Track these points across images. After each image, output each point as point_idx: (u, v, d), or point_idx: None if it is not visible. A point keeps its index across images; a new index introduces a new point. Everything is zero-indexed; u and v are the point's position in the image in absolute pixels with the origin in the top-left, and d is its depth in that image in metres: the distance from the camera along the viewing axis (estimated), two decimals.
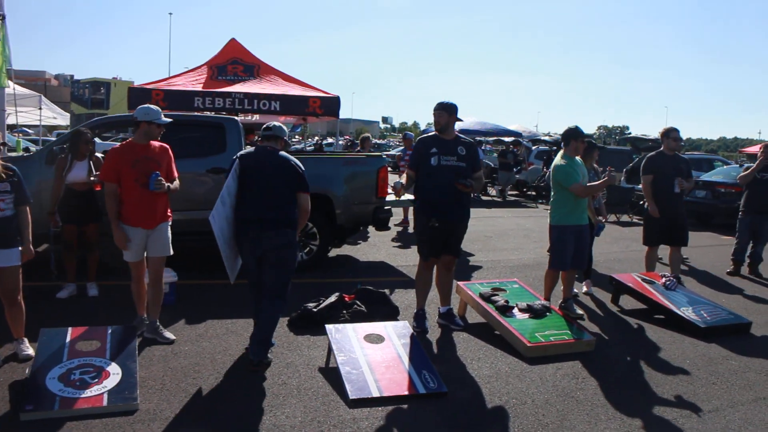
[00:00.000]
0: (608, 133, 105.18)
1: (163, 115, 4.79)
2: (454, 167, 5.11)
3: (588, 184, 5.62)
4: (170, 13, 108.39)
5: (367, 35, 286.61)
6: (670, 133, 6.81)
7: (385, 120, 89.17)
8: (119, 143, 4.73)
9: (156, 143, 4.81)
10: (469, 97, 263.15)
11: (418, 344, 4.46)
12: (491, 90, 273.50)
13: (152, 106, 4.78)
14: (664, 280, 6.28)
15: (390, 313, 5.50)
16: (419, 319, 5.29)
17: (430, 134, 5.35)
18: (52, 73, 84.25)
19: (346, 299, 5.53)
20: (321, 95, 9.07)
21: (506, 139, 19.51)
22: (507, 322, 5.01)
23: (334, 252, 8.35)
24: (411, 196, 8.62)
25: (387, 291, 5.93)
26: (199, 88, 8.67)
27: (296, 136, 42.60)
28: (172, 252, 4.89)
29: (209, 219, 4.19)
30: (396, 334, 4.55)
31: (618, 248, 9.90)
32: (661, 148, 6.99)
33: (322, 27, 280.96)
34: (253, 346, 4.30)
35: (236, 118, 7.09)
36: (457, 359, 4.62)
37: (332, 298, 5.47)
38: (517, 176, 17.93)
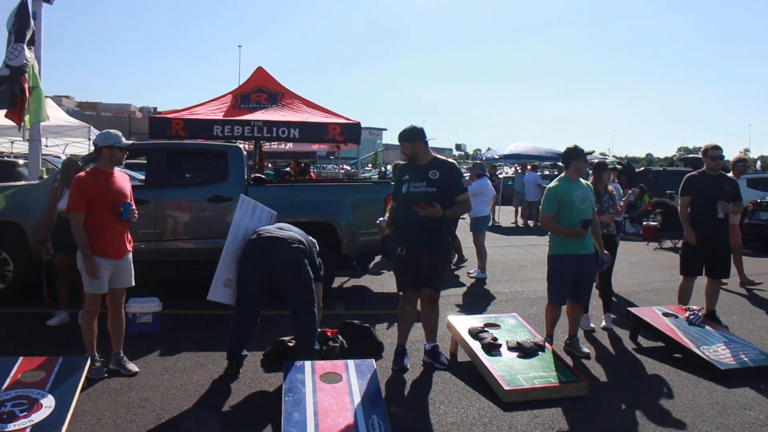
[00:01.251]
0: (689, 154, 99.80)
1: (123, 138, 4.73)
2: (421, 193, 4.79)
3: (548, 222, 5.15)
4: (239, 46, 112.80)
5: (438, 62, 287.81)
6: (708, 152, 6.16)
7: (458, 147, 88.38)
8: (84, 172, 4.68)
9: (118, 171, 4.78)
10: (542, 120, 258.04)
11: (376, 385, 4.10)
12: (564, 113, 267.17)
13: (111, 131, 4.69)
14: (687, 314, 5.62)
15: (373, 349, 5.18)
16: (397, 356, 4.93)
17: (407, 162, 5.06)
18: (137, 106, 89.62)
19: (328, 334, 5.26)
20: (341, 122, 8.94)
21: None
22: (489, 362, 4.58)
23: (351, 282, 8.16)
24: None
25: (380, 324, 5.64)
26: (220, 116, 8.75)
27: (368, 165, 42.72)
28: (134, 283, 4.84)
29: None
30: (357, 373, 4.22)
31: (661, 277, 9.10)
32: (703, 168, 6.34)
33: (390, 55, 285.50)
34: None
35: (240, 145, 7.04)
36: (425, 402, 4.24)
37: None
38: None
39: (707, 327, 5.44)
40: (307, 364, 4.30)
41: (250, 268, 4.55)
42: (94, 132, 12.77)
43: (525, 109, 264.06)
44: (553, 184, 5.24)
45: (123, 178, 4.75)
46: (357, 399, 3.93)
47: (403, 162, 5.07)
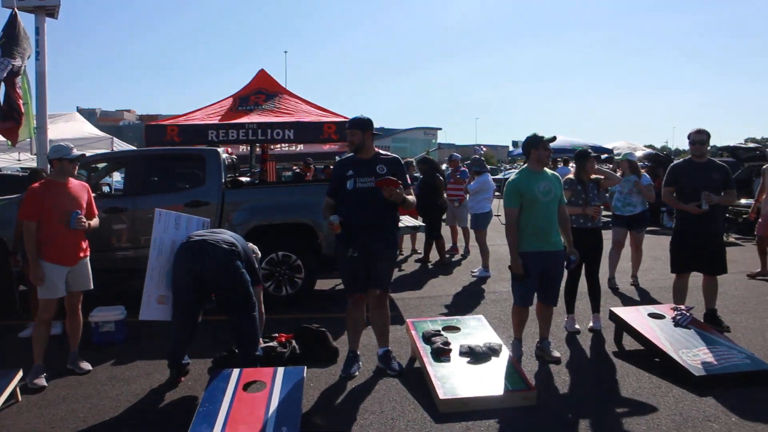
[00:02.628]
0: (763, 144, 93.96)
1: (74, 150, 4.80)
2: (371, 189, 4.53)
3: (511, 221, 4.73)
4: (285, 52, 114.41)
5: (490, 60, 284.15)
6: (691, 136, 5.59)
7: (515, 144, 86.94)
8: (38, 182, 4.77)
9: (75, 181, 4.86)
10: (599, 116, 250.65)
11: (299, 394, 3.88)
12: (621, 108, 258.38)
13: (62, 143, 4.86)
14: (675, 314, 5.12)
15: (327, 355, 4.97)
16: (347, 363, 4.70)
17: (347, 156, 4.81)
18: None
19: (282, 339, 5.09)
20: (336, 120, 8.74)
21: (603, 156, 17.80)
22: (431, 369, 4.29)
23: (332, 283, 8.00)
24: (413, 222, 8.05)
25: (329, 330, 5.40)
26: (216, 120, 8.73)
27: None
28: (93, 286, 4.91)
29: None
30: (283, 381, 4.01)
31: None
32: (689, 156, 5.79)
33: (440, 57, 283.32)
34: None
35: (218, 149, 6.97)
36: (355, 412, 3.98)
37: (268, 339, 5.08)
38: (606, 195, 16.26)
39: (695, 328, 4.93)
40: (235, 372, 4.15)
41: (181, 275, 4.43)
42: (117, 144, 13.11)
43: (580, 103, 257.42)
44: (512, 176, 4.87)
45: (79, 189, 4.84)
46: (273, 409, 3.73)
47: (346, 157, 4.82)
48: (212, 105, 9.40)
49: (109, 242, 6.59)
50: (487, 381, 4.12)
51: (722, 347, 4.62)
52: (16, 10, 8.10)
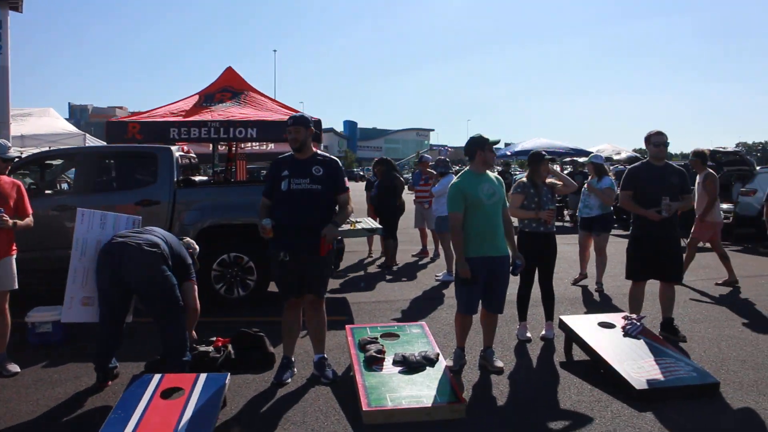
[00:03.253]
0: (748, 149, 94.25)
1: (11, 150, 4.74)
2: (306, 191, 4.37)
3: (457, 225, 4.55)
4: (275, 50, 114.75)
5: (482, 62, 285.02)
6: (652, 138, 5.43)
7: (507, 146, 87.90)
8: None
9: (6, 179, 4.72)
10: (587, 118, 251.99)
11: (216, 402, 3.71)
12: (610, 111, 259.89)
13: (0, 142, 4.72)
14: (625, 323, 4.97)
15: (262, 360, 4.80)
16: (279, 369, 4.54)
17: (285, 155, 4.64)
18: None
19: (219, 343, 4.92)
20: None
21: (581, 159, 17.66)
22: (360, 378, 4.13)
23: None
24: (371, 224, 7.88)
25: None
26: (179, 118, 8.54)
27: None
28: (17, 286, 4.77)
29: None
30: (204, 387, 3.84)
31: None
32: (647, 159, 5.64)
33: (433, 58, 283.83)
34: None
35: (171, 147, 6.79)
36: (275, 422, 3.80)
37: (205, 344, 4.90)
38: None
39: (645, 339, 4.77)
40: (155, 377, 3.98)
41: (103, 277, 4.26)
42: (90, 140, 12.91)
43: (569, 107, 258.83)
44: (455, 179, 4.71)
45: (8, 187, 4.71)
46: (187, 417, 3.57)
47: (283, 156, 4.65)
48: (177, 102, 9.20)
49: (58, 240, 6.39)
50: (416, 392, 3.96)
51: (669, 359, 4.47)
52: None
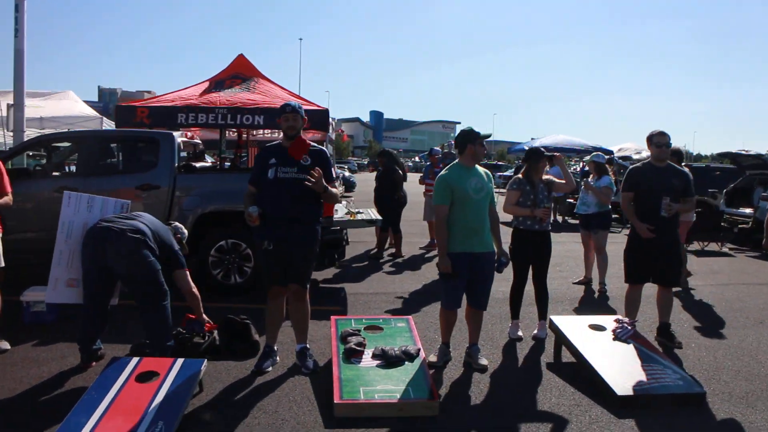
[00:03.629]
0: None
1: None
2: (293, 180, 4.35)
3: (441, 219, 4.50)
4: (300, 39, 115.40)
5: (509, 58, 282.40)
6: (654, 138, 5.27)
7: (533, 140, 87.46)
8: None
9: None
10: (615, 116, 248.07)
11: (188, 388, 3.72)
12: (642, 110, 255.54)
13: None
14: (616, 326, 4.86)
15: (246, 348, 4.80)
16: (261, 357, 4.54)
17: (273, 143, 4.62)
18: None
19: (206, 328, 4.93)
20: (308, 108, 8.51)
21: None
22: (337, 370, 4.10)
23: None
24: (372, 216, 7.84)
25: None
26: (188, 103, 8.57)
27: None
28: (3, 263, 4.83)
29: None
30: (179, 373, 3.85)
31: None
32: (648, 159, 5.49)
33: (461, 52, 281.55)
34: None
35: (174, 133, 6.82)
36: (247, 411, 3.80)
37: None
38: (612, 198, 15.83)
39: (635, 344, 4.66)
40: (134, 360, 4.02)
41: (86, 261, 4.29)
42: (107, 123, 13.06)
43: (600, 106, 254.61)
44: (443, 171, 4.64)
45: None
46: (157, 400, 3.59)
47: (271, 144, 4.63)
48: (188, 87, 9.25)
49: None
50: (391, 387, 3.92)
51: (657, 366, 4.35)
52: None
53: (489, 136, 4.62)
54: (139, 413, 3.47)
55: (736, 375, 4.66)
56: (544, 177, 5.53)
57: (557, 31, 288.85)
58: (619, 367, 4.30)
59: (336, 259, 8.69)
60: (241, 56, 9.81)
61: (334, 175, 4.59)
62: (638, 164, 5.57)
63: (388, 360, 4.21)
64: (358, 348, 4.31)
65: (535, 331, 5.50)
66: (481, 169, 4.63)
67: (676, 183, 5.17)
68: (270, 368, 4.47)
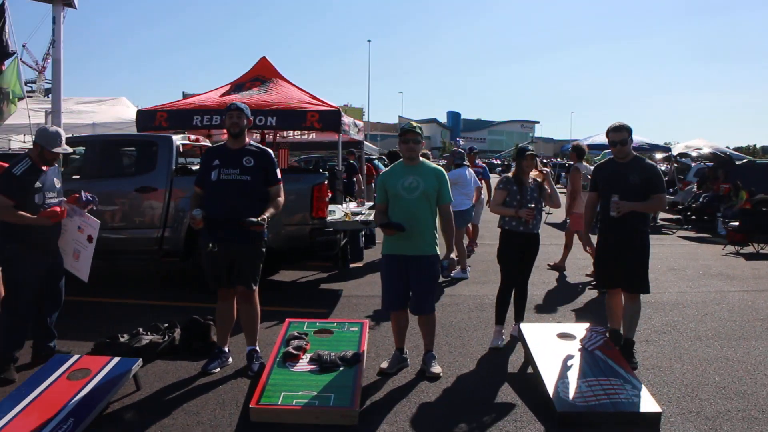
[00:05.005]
0: None
1: None
2: (235, 182, 4.33)
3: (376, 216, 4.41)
4: (369, 41, 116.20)
5: (588, 56, 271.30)
6: (609, 134, 4.76)
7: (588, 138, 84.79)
8: None
9: None
10: (690, 113, 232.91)
11: (110, 388, 3.77)
12: (713, 106, 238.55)
13: None
14: (585, 335, 4.51)
15: (204, 348, 4.82)
16: (210, 358, 4.54)
17: (218, 144, 4.62)
18: None
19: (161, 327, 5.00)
20: (320, 109, 8.53)
21: (658, 156, 16.20)
22: (267, 373, 4.04)
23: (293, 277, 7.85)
24: (370, 217, 7.69)
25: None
26: (209, 106, 8.79)
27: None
28: None
29: None
30: (110, 371, 3.90)
31: (687, 288, 7.51)
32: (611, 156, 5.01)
33: (538, 50, 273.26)
34: None
35: (173, 136, 6.99)
36: (172, 409, 3.80)
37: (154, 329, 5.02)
38: (673, 197, 14.89)
39: (601, 354, 4.30)
40: (73, 358, 4.12)
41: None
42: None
43: (670, 101, 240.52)
44: (385, 169, 4.51)
45: None
46: (77, 398, 3.66)
47: (216, 145, 4.63)
48: (211, 91, 9.51)
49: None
50: (314, 393, 3.80)
51: (616, 380, 3.98)
52: (6, 3, 8.53)
53: (413, 128, 4.41)
54: (55, 410, 3.54)
55: (719, 392, 4.19)
56: (533, 176, 5.21)
57: (634, 28, 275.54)
58: (573, 381, 3.97)
59: (348, 261, 8.68)
60: (263, 59, 9.96)
61: (279, 175, 4.53)
62: (603, 161, 5.11)
63: (322, 365, 4.09)
64: (295, 352, 4.22)
65: (510, 332, 5.23)
66: (430, 166, 4.42)
67: (633, 180, 4.61)
68: (217, 369, 4.46)
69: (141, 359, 4.12)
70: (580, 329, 4.67)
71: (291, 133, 11.58)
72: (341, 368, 4.08)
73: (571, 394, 3.81)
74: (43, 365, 4.04)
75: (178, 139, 7.04)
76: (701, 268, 8.87)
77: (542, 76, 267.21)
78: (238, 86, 9.42)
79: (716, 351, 5.09)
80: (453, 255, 4.40)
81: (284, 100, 8.82)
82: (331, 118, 8.49)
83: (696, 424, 3.70)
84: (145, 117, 8.73)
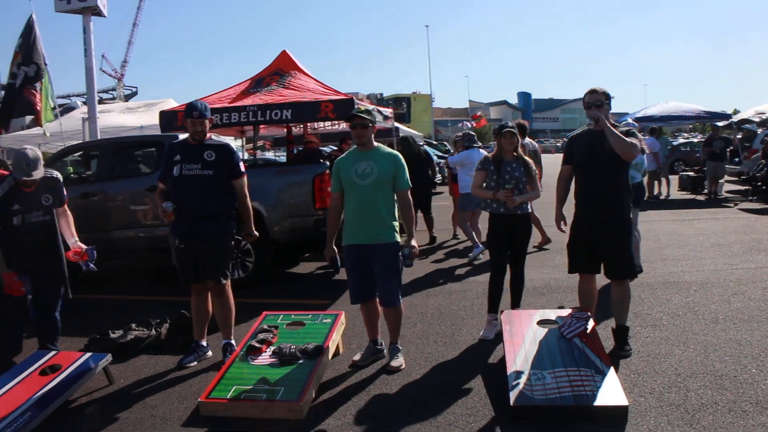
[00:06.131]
0: None
1: None
2: (197, 177, 4.34)
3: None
4: (426, 26, 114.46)
5: (658, 21, 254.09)
6: (584, 98, 4.36)
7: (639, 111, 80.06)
8: None
9: None
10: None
11: (74, 381, 3.89)
12: None
13: None
14: (566, 321, 4.21)
15: (187, 342, 4.87)
16: (187, 353, 4.59)
17: (180, 140, 4.63)
18: (365, 94, 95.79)
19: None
20: (334, 98, 8.43)
21: (720, 123, 14.97)
22: (226, 366, 4.03)
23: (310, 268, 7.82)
24: None
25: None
26: (226, 104, 8.93)
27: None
28: None
29: None
30: (79, 367, 4.03)
31: (724, 264, 6.89)
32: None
33: (606, 19, 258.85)
34: None
35: (180, 135, 7.12)
36: (133, 402, 3.88)
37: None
38: (738, 168, 13.83)
39: (579, 342, 3.99)
40: (49, 354, 4.26)
41: None
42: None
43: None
44: (340, 156, 4.38)
45: None
46: (40, 393, 3.78)
47: (177, 141, 4.65)
48: (230, 88, 9.62)
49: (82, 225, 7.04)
50: (265, 387, 3.75)
51: (587, 371, 3.67)
52: (33, 16, 8.95)
53: (368, 111, 4.25)
54: (17, 404, 3.68)
55: (713, 382, 3.78)
56: (516, 154, 4.92)
57: None
58: (538, 372, 3.70)
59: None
60: (284, 52, 9.98)
61: (242, 169, 4.50)
62: (577, 130, 4.69)
63: (281, 358, 4.03)
64: (258, 345, 4.19)
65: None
66: (386, 152, 4.24)
67: (609, 146, 4.14)
68: (193, 363, 4.51)
69: (110, 355, 4.22)
70: (564, 314, 4.37)
71: (321, 124, 11.59)
72: (301, 361, 4.01)
73: (532, 387, 3.56)
74: (23, 360, 4.20)
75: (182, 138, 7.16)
76: (750, 242, 8.15)
77: (613, 48, 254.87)
78: (257, 81, 9.47)
79: (729, 335, 4.62)
80: (414, 243, 4.20)
81: (299, 92, 8.82)
82: (345, 107, 8.40)
83: (671, 418, 3.35)
84: (167, 118, 8.92)
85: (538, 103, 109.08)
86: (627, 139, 4.09)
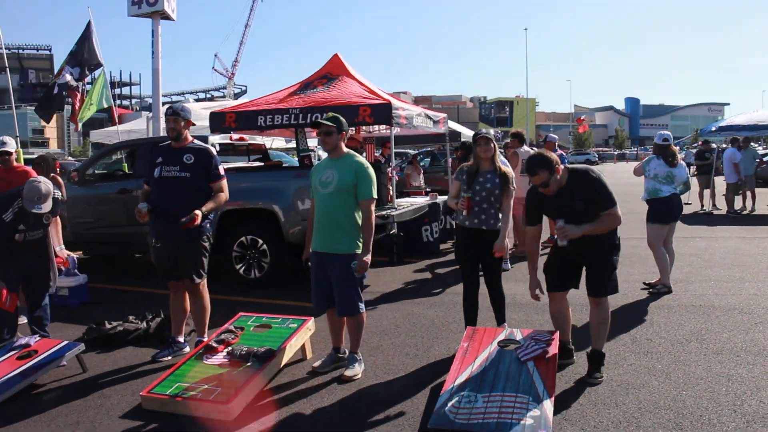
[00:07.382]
0: None
1: None
2: (175, 178, 4.52)
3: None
4: (525, 29, 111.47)
5: None
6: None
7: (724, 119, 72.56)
8: None
9: None
10: None
11: (42, 366, 4.16)
12: None
13: None
14: (525, 343, 3.98)
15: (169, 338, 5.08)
16: (163, 348, 4.78)
17: (164, 143, 4.81)
18: (468, 96, 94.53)
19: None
20: (371, 103, 8.43)
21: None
22: (179, 364, 4.16)
23: None
24: (386, 212, 7.43)
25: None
26: (273, 106, 9.19)
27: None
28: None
29: None
30: (53, 353, 4.30)
31: (740, 289, 6.17)
32: None
33: (725, 21, 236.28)
34: None
35: (209, 136, 7.43)
36: (90, 392, 4.09)
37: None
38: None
39: (529, 366, 3.75)
40: (33, 339, 4.57)
41: None
42: None
43: None
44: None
45: None
46: (9, 376, 4.08)
47: (162, 144, 4.83)
48: (280, 91, 9.89)
49: (118, 219, 7.51)
50: (204, 386, 3.82)
51: (524, 398, 3.44)
52: (91, 20, 9.64)
53: (334, 118, 4.20)
54: None
55: (670, 421, 3.41)
56: (496, 166, 4.69)
57: None
58: (472, 394, 3.52)
59: (401, 255, 8.53)
60: (335, 56, 10.11)
61: (221, 172, 4.64)
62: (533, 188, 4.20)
63: (231, 359, 4.10)
64: (215, 345, 4.28)
65: None
66: (350, 162, 4.18)
67: (579, 206, 3.93)
68: (167, 358, 4.68)
69: (83, 344, 4.48)
70: (527, 335, 4.13)
71: (377, 128, 11.63)
72: (249, 363, 4.06)
73: (458, 409, 3.39)
74: (6, 344, 4.55)
75: (215, 139, 7.46)
76: (761, 265, 7.31)
77: (729, 51, 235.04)
78: (306, 85, 9.65)
79: (724, 369, 4.16)
80: (366, 257, 4.11)
81: (342, 96, 8.91)
82: (382, 112, 8.40)
83: None
84: (216, 119, 9.32)
85: (646, 109, 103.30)
86: (600, 222, 3.88)
